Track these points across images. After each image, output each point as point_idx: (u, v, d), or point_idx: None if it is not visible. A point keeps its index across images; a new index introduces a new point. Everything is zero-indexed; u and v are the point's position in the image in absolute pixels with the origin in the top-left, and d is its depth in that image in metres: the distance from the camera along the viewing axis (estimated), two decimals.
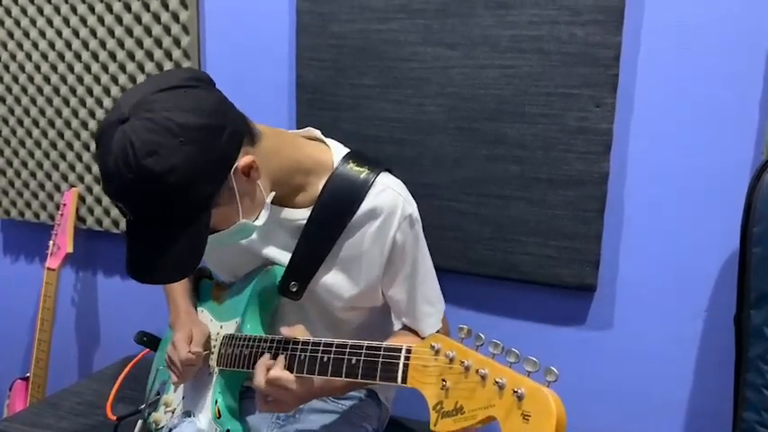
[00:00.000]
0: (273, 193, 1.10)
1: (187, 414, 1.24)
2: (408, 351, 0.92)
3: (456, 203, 1.54)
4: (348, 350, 1.00)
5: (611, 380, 1.51)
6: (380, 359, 0.95)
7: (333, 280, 1.19)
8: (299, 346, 1.06)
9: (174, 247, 0.97)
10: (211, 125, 0.94)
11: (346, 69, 1.58)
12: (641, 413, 1.51)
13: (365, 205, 1.15)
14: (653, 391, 1.49)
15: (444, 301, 1.30)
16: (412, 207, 1.19)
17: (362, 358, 0.97)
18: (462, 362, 0.81)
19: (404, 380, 0.90)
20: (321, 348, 1.03)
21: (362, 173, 1.16)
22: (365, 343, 0.98)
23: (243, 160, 0.99)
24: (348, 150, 1.21)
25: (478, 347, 0.82)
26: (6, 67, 1.97)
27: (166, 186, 0.91)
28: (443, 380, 0.83)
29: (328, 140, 1.23)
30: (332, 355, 1.01)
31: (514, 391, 0.74)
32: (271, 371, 1.05)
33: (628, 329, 1.49)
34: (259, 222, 1.08)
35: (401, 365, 0.92)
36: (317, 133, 1.24)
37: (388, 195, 1.16)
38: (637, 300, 1.47)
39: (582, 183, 1.42)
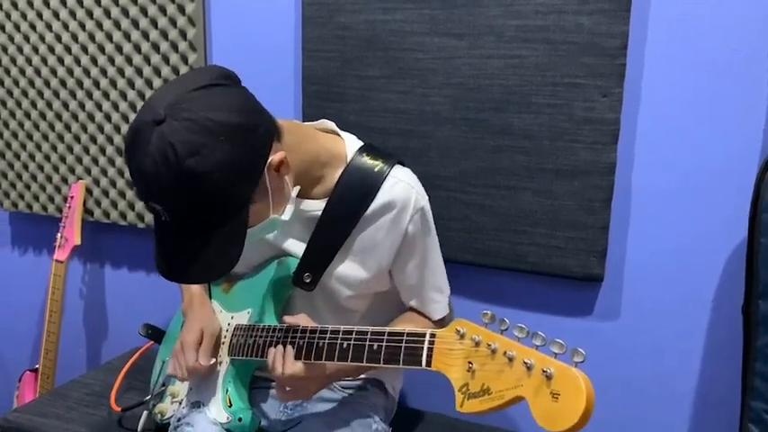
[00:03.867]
0: (298, 187, 1.11)
1: (196, 404, 1.25)
2: (433, 335, 0.93)
3: (462, 194, 1.53)
4: (369, 336, 1.01)
5: (618, 370, 1.51)
6: (404, 344, 0.96)
7: (346, 271, 1.20)
8: (317, 335, 1.07)
9: (212, 246, 0.98)
10: (248, 123, 0.95)
11: (352, 60, 1.58)
12: (648, 403, 1.51)
13: (379, 198, 1.16)
14: (660, 380, 1.49)
15: (451, 291, 1.32)
16: (424, 200, 1.21)
17: (384, 344, 0.98)
18: (489, 344, 0.82)
19: (428, 363, 0.91)
20: (340, 336, 1.05)
21: (377, 166, 1.18)
22: (386, 329, 1.00)
23: (276, 156, 1.00)
24: (362, 143, 1.22)
25: (503, 332, 0.83)
26: (14, 60, 1.98)
27: (209, 186, 0.91)
28: (470, 362, 0.84)
29: (342, 133, 1.24)
30: (352, 342, 1.03)
31: (543, 371, 0.75)
32: (287, 366, 1.07)
33: (635, 320, 1.49)
34: (285, 217, 1.10)
35: (425, 350, 0.93)
36: (332, 125, 1.25)
37: (402, 188, 1.18)
38: (644, 290, 1.47)
39: (589, 173, 1.42)
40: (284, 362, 1.08)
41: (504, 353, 0.80)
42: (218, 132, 0.91)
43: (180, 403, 1.31)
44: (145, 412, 1.40)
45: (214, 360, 1.24)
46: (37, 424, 1.51)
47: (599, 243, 1.44)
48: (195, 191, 0.92)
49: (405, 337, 0.96)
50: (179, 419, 1.25)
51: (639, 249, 1.46)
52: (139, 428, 1.40)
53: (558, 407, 0.73)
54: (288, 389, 1.13)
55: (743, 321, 1.29)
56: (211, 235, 0.97)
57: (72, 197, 1.96)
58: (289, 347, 1.08)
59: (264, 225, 1.06)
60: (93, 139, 1.94)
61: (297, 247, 1.22)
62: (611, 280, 1.49)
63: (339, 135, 1.24)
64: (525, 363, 0.77)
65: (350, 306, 1.25)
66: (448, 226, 1.54)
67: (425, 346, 0.93)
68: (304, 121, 1.62)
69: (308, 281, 1.20)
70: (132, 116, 1.85)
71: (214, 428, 1.19)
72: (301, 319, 1.11)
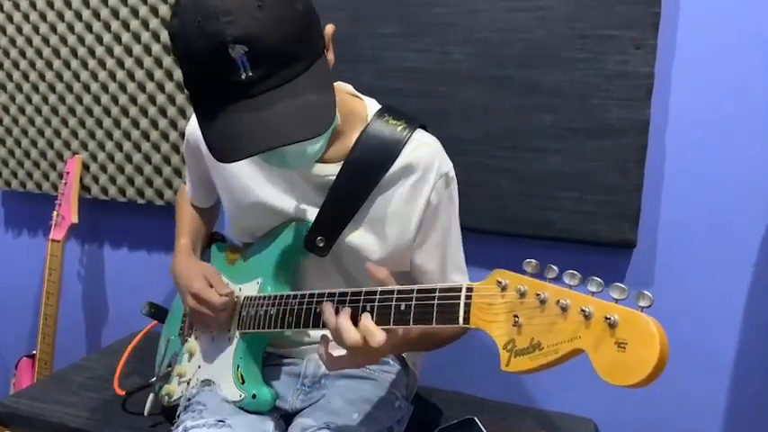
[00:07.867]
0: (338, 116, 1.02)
1: (206, 383, 1.17)
2: (470, 290, 0.83)
3: (485, 158, 1.46)
4: (395, 296, 0.91)
5: None
6: (435, 301, 0.86)
7: (360, 239, 1.12)
8: (336, 298, 0.97)
9: (306, 95, 0.89)
10: None
11: (365, 18, 1.50)
12: (682, 374, 1.43)
13: (400, 161, 1.09)
14: (696, 351, 1.41)
15: (471, 263, 1.23)
16: (448, 166, 1.13)
17: (414, 303, 0.89)
18: (538, 294, 0.72)
19: (466, 320, 0.82)
20: (362, 298, 0.95)
21: (398, 127, 1.10)
22: (415, 287, 0.90)
23: (328, 28, 0.99)
24: (382, 105, 1.15)
25: (552, 281, 0.73)
26: (3, 30, 1.88)
27: (298, 14, 0.89)
28: (515, 316, 0.74)
29: (362, 95, 1.17)
30: (376, 304, 0.92)
31: (606, 318, 0.65)
32: (362, 323, 0.92)
33: (669, 287, 1.42)
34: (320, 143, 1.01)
35: (462, 305, 0.83)
36: (350, 87, 1.18)
37: (425, 152, 1.10)
38: (679, 255, 1.40)
39: (621, 131, 1.34)
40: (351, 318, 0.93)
41: (557, 302, 0.70)
42: None
43: (188, 383, 1.23)
44: (151, 395, 1.33)
45: (231, 289, 1.16)
46: (36, 409, 1.43)
47: (632, 206, 1.37)
48: (285, 18, 0.87)
49: (437, 294, 0.87)
50: (189, 399, 1.18)
51: (674, 212, 1.39)
52: (146, 411, 1.33)
53: (626, 358, 0.64)
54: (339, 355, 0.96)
55: None
56: (301, 83, 0.89)
57: (68, 173, 1.86)
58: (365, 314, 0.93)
59: (297, 153, 0.97)
60: (89, 112, 1.84)
61: (308, 213, 1.14)
62: (644, 245, 1.41)
63: (358, 97, 1.16)
64: (583, 311, 0.67)
65: (366, 284, 1.14)
66: (469, 192, 1.44)
67: (462, 301, 0.83)
68: None
69: (320, 245, 1.12)
70: (130, 85, 1.76)
71: (228, 407, 1.11)
72: (382, 272, 0.95)
